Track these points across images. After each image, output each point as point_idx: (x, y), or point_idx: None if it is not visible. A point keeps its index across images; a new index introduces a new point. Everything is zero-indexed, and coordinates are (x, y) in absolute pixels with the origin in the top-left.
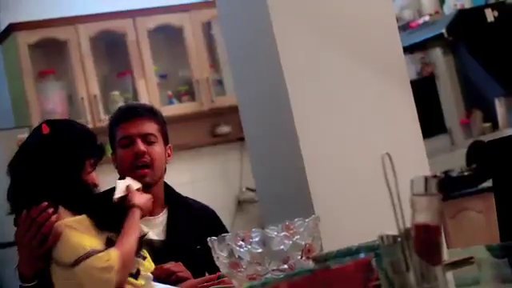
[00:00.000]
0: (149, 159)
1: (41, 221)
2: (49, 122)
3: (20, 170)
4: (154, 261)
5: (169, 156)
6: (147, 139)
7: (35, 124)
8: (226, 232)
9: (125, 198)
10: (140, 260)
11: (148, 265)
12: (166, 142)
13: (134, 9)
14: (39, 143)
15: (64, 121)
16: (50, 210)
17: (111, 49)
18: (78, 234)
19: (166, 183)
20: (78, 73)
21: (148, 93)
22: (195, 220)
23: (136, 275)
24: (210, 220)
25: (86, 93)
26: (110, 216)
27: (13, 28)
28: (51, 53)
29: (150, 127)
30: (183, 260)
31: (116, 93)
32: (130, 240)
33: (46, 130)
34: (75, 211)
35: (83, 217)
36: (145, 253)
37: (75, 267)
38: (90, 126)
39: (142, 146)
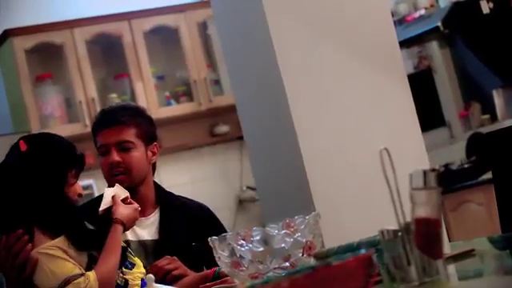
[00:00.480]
0: (124, 167)
1: (17, 250)
2: (25, 138)
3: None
4: (149, 261)
5: (154, 155)
6: (123, 146)
7: (34, 129)
8: (223, 229)
9: (110, 210)
10: (127, 271)
11: (137, 271)
12: (149, 141)
13: (129, 11)
14: (18, 161)
15: (41, 134)
16: (25, 238)
17: (108, 51)
18: (54, 260)
19: (156, 183)
20: (75, 76)
21: (146, 95)
22: (190, 219)
23: (125, 287)
24: (206, 217)
25: (84, 96)
26: (89, 236)
27: (8, 34)
28: (48, 57)
29: (127, 134)
30: (180, 255)
31: (114, 95)
32: (110, 259)
33: (23, 147)
34: (53, 233)
35: (61, 239)
36: (133, 260)
37: None
38: (89, 129)
39: (116, 157)
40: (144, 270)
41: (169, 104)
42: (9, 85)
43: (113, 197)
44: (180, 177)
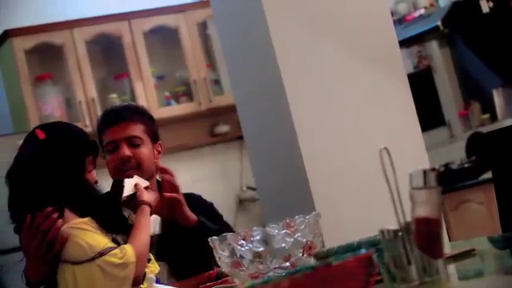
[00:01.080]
0: (135, 163)
1: (46, 228)
2: (42, 127)
3: (21, 178)
4: (152, 255)
5: (159, 153)
6: (133, 142)
7: None
8: (220, 215)
9: (133, 196)
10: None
11: (153, 267)
12: (154, 140)
13: (129, 11)
14: (38, 149)
15: (56, 123)
16: (55, 215)
17: (107, 52)
18: (88, 233)
19: (158, 181)
20: (75, 77)
21: (146, 95)
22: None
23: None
24: (200, 205)
25: (84, 96)
26: (115, 218)
27: (8, 34)
28: (48, 57)
29: (135, 130)
30: (181, 254)
31: (114, 95)
32: (142, 235)
33: (41, 135)
34: (80, 213)
35: (88, 219)
36: (149, 255)
37: (90, 264)
38: (89, 129)
39: (127, 151)
40: (158, 267)
41: (169, 104)
42: (9, 85)
43: (135, 185)
44: (180, 177)
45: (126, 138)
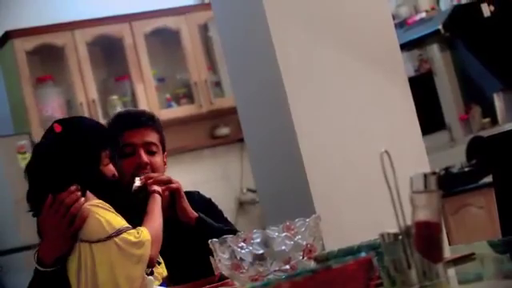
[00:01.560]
0: (150, 170)
1: (69, 202)
2: (60, 121)
3: (39, 170)
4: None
5: (164, 164)
6: (149, 149)
7: (34, 131)
8: (220, 211)
9: (142, 189)
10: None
11: (161, 270)
12: (164, 150)
13: (130, 13)
14: (54, 142)
15: (74, 118)
16: (79, 193)
17: (108, 53)
18: (108, 212)
19: None
20: (76, 78)
21: (146, 96)
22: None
23: (150, 275)
24: (198, 202)
25: (85, 98)
26: (129, 202)
27: (9, 35)
28: (49, 59)
29: (153, 137)
30: (180, 254)
31: (114, 97)
32: (155, 219)
33: (58, 128)
34: (99, 197)
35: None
36: (159, 258)
37: (108, 242)
38: None
39: (145, 158)
40: (166, 272)
41: (169, 106)
42: (9, 86)
43: (146, 177)
44: (181, 179)
45: (143, 143)
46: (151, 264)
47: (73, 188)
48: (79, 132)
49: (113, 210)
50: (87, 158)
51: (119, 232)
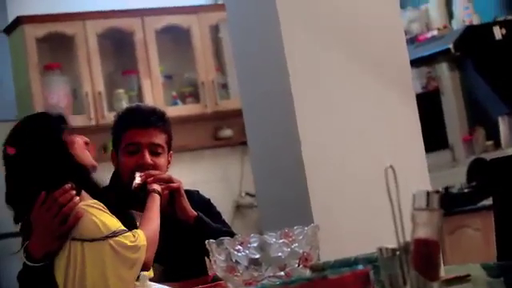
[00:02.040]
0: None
1: (63, 201)
2: (8, 141)
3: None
4: None
5: (169, 163)
6: (154, 150)
7: None
8: (218, 212)
9: (142, 187)
10: None
11: (148, 273)
12: (169, 149)
13: (143, 8)
14: (14, 164)
15: (17, 127)
16: (73, 192)
17: (118, 47)
18: (103, 213)
19: None
20: (83, 68)
21: (153, 92)
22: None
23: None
24: (197, 202)
25: (91, 89)
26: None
27: (21, 21)
28: (58, 47)
29: (160, 138)
30: (176, 252)
31: (121, 91)
32: (153, 221)
33: (11, 151)
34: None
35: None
36: None
37: (102, 242)
38: (93, 122)
39: (149, 159)
40: (152, 273)
41: (175, 104)
42: (17, 71)
43: (146, 175)
44: (180, 177)
45: (149, 144)
46: (146, 268)
47: (67, 186)
48: (32, 142)
49: (107, 210)
50: (53, 153)
51: (115, 234)
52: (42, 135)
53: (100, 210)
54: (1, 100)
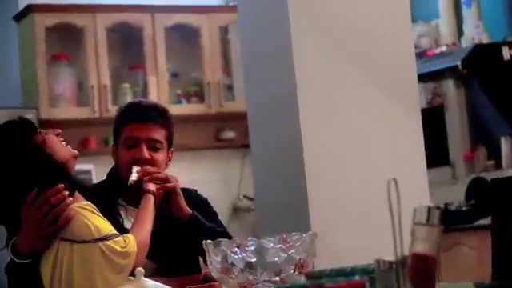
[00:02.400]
0: (150, 165)
1: (55, 201)
2: None
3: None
4: None
5: (169, 160)
6: (153, 145)
7: (42, 107)
8: (214, 213)
9: (139, 182)
10: None
11: None
12: (170, 146)
13: (154, 4)
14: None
15: None
16: (66, 193)
17: (126, 41)
18: (95, 216)
19: None
20: (90, 61)
21: (158, 89)
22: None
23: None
24: (194, 201)
25: (97, 81)
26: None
27: (31, 9)
28: (66, 38)
29: (159, 134)
30: (170, 249)
31: (126, 85)
32: (145, 225)
33: None
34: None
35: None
36: None
37: (92, 245)
38: (97, 114)
39: (146, 153)
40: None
41: (179, 102)
42: (24, 59)
43: (143, 172)
44: (180, 176)
45: (147, 139)
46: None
47: (60, 186)
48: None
49: (99, 213)
50: (25, 157)
51: (106, 238)
52: (14, 143)
53: (92, 212)
54: (6, 87)
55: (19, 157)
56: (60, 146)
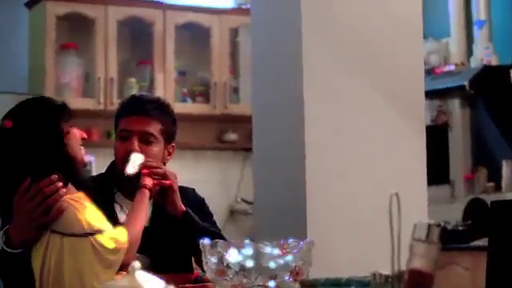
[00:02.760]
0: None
1: (48, 192)
2: (6, 117)
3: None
4: (140, 246)
5: (169, 155)
6: (146, 138)
7: (48, 94)
8: (210, 213)
9: (137, 175)
10: None
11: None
12: (169, 141)
13: (166, 1)
14: (8, 139)
15: (18, 107)
16: (60, 184)
17: (136, 36)
18: (87, 208)
19: None
20: (99, 53)
21: (164, 86)
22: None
23: None
24: (191, 200)
25: (104, 74)
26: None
27: None
28: (77, 28)
29: (153, 127)
30: (167, 246)
31: (133, 80)
32: (138, 220)
33: (8, 124)
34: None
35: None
36: None
37: (83, 239)
38: (102, 107)
39: (136, 146)
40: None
41: (184, 100)
42: (33, 47)
43: (141, 166)
44: (179, 174)
45: (139, 132)
46: (124, 269)
47: (54, 177)
48: (29, 117)
49: (92, 205)
50: (47, 136)
51: (97, 232)
52: (41, 118)
53: (84, 205)
54: (13, 72)
55: (38, 131)
56: (78, 146)
